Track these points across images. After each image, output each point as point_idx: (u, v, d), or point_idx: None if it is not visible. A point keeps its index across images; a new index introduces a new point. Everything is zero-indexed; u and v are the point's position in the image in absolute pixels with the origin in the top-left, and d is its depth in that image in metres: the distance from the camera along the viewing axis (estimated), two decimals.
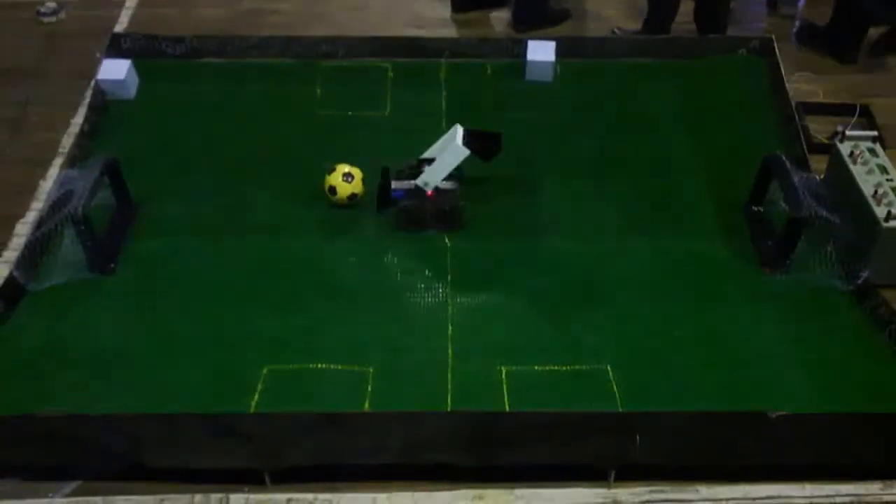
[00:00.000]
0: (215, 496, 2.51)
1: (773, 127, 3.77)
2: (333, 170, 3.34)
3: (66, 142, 3.82)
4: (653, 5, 4.44)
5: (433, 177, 3.25)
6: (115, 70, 3.85)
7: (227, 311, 2.99)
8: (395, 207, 3.32)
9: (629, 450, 2.47)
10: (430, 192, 3.27)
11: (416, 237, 3.30)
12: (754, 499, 2.52)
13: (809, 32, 4.56)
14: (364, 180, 3.36)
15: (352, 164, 3.33)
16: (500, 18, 4.80)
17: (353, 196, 3.35)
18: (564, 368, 2.80)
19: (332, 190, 3.33)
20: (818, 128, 3.90)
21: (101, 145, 3.64)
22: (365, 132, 3.76)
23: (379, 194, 3.36)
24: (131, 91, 3.89)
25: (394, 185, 3.31)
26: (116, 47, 4.04)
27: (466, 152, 3.22)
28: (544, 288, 3.10)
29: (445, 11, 4.82)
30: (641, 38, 4.32)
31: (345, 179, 3.32)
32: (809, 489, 2.54)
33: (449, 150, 3.23)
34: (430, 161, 3.30)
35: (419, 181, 3.26)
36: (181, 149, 3.66)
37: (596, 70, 4.08)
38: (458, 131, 3.27)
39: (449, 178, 3.28)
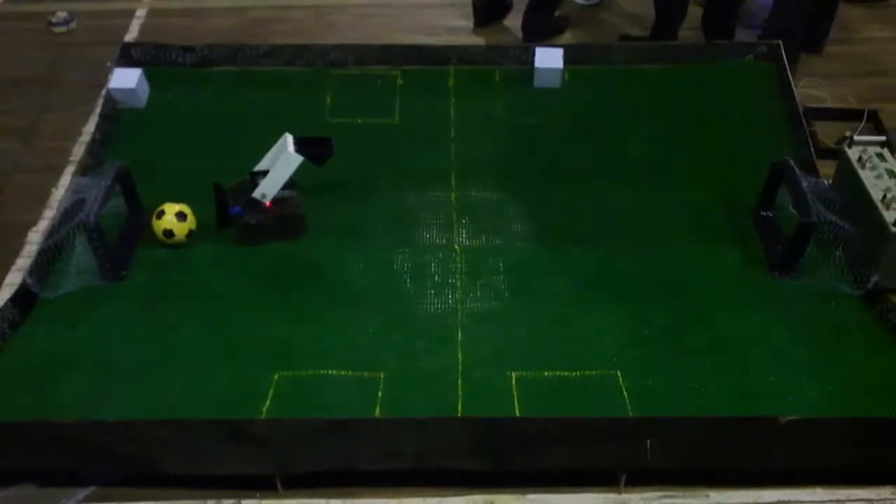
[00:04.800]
0: (227, 502, 2.53)
1: (782, 132, 3.77)
2: (162, 212, 3.23)
3: (78, 150, 3.86)
4: (660, 11, 4.46)
5: (270, 188, 3.23)
6: (126, 79, 3.87)
7: (238, 318, 3.00)
8: (236, 224, 3.28)
9: (640, 455, 2.47)
10: (268, 203, 3.25)
11: (425, 243, 3.32)
12: None
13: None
14: (194, 213, 3.28)
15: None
16: (507, 26, 4.82)
17: (191, 233, 3.27)
18: (574, 374, 2.80)
19: (169, 233, 3.23)
20: (826, 133, 3.90)
21: (112, 153, 3.66)
22: (374, 139, 3.78)
23: (217, 214, 3.29)
24: (142, 100, 3.91)
25: (231, 202, 3.26)
26: (127, 56, 4.06)
27: (300, 159, 3.21)
28: (554, 293, 3.11)
29: (454, 20, 4.85)
30: (649, 44, 4.33)
31: (179, 219, 3.24)
32: (820, 494, 2.54)
33: (282, 160, 3.20)
34: (263, 174, 3.27)
35: (256, 194, 3.23)
36: (192, 157, 3.68)
37: (604, 76, 4.09)
38: (289, 139, 3.26)
39: (284, 186, 3.26)
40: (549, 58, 4.01)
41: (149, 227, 3.28)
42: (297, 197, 3.31)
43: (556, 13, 4.76)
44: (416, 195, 3.53)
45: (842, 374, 2.79)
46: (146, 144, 3.75)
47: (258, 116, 3.87)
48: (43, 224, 3.48)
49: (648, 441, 2.45)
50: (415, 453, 2.50)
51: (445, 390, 2.73)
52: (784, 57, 3.98)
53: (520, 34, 4.70)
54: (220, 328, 2.96)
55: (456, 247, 3.30)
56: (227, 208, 3.27)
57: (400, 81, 4.06)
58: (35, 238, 3.41)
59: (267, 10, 4.97)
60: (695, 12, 4.54)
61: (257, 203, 3.25)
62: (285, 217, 3.29)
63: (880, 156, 3.30)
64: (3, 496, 2.55)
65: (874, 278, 3.09)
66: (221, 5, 5.00)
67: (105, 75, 3.99)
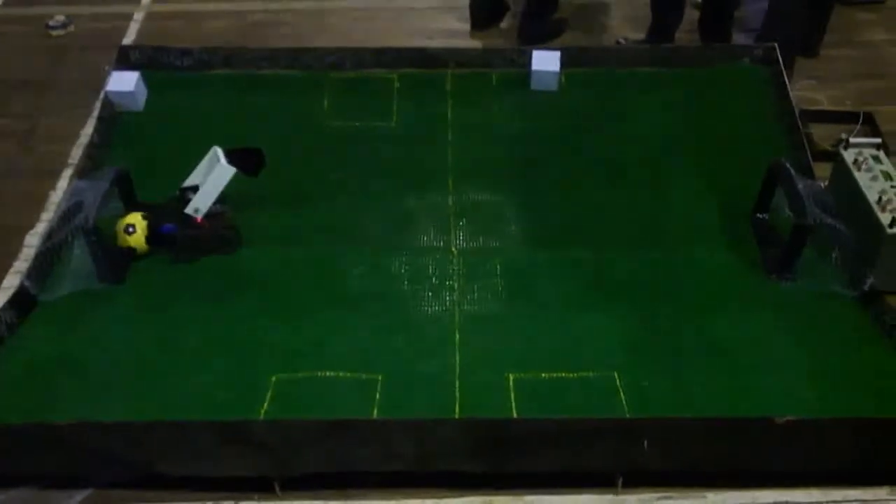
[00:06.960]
0: None
1: (778, 135, 3.78)
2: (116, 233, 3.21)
3: (76, 153, 3.87)
4: (657, 14, 4.47)
5: (203, 202, 3.21)
6: (123, 82, 3.87)
7: (237, 321, 3.01)
8: (170, 242, 3.24)
9: (637, 456, 2.48)
10: (199, 218, 3.22)
11: (422, 246, 3.33)
12: None
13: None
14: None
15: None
16: (504, 29, 4.84)
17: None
18: (572, 375, 2.81)
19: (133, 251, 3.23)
20: (822, 135, 3.91)
21: (110, 156, 3.67)
22: (372, 143, 3.79)
23: (149, 235, 3.23)
24: (140, 103, 3.92)
25: (163, 219, 3.24)
26: (125, 59, 4.07)
27: (233, 170, 3.20)
28: (551, 295, 3.12)
29: (452, 23, 4.86)
30: (646, 48, 4.34)
31: (129, 233, 3.20)
32: (816, 494, 2.55)
33: (215, 172, 3.19)
34: (192, 189, 3.25)
35: (189, 209, 3.21)
36: (190, 160, 3.65)
37: (601, 79, 4.10)
38: (219, 152, 3.25)
39: (216, 201, 3.24)
40: (546, 61, 4.01)
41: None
42: (230, 211, 3.30)
43: (554, 16, 4.76)
44: (414, 198, 3.54)
45: (838, 374, 2.80)
46: (144, 147, 3.75)
47: (256, 120, 3.87)
48: (41, 227, 3.48)
49: (645, 442, 2.46)
50: (413, 455, 2.50)
51: (443, 392, 2.74)
52: (780, 60, 4.00)
53: (517, 37, 4.71)
54: (218, 331, 2.97)
55: (453, 249, 3.31)
56: (158, 228, 3.23)
57: (397, 85, 4.06)
58: (33, 241, 3.41)
59: (265, 13, 4.98)
60: (691, 15, 4.55)
61: (189, 218, 3.23)
62: (220, 231, 3.27)
63: (876, 158, 3.32)
64: (2, 499, 2.56)
65: (870, 280, 3.10)
66: (219, 9, 5.01)
67: (103, 78, 4.00)
